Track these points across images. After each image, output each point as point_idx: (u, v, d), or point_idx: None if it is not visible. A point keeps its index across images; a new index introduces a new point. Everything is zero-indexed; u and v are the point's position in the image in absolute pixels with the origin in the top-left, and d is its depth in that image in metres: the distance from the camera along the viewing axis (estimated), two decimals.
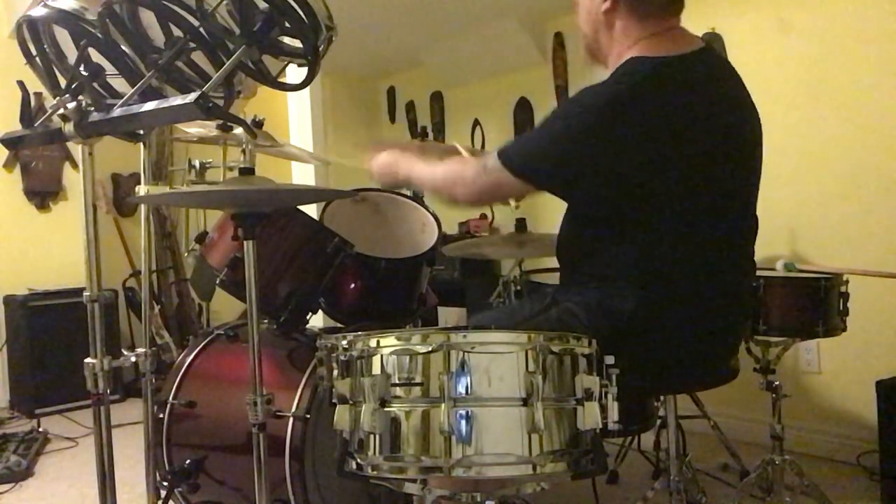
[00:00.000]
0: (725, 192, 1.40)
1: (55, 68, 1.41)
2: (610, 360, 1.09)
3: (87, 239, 1.43)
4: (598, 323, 1.36)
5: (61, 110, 1.34)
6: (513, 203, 1.79)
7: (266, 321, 1.98)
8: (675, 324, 1.38)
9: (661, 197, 1.34)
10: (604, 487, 2.42)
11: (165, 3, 1.24)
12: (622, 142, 1.31)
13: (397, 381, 1.04)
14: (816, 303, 2.00)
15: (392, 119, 5.24)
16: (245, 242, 1.46)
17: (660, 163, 1.32)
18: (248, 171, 1.63)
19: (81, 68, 1.35)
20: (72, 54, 1.38)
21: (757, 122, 1.48)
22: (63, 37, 1.38)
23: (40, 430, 3.35)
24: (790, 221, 2.80)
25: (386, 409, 1.03)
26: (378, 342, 1.07)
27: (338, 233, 1.89)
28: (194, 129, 2.30)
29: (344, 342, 1.11)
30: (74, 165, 4.31)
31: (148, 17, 1.33)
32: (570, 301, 1.43)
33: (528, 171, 1.38)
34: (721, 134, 1.39)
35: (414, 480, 1.08)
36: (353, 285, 2.01)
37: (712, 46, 1.47)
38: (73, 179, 4.34)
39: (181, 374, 1.99)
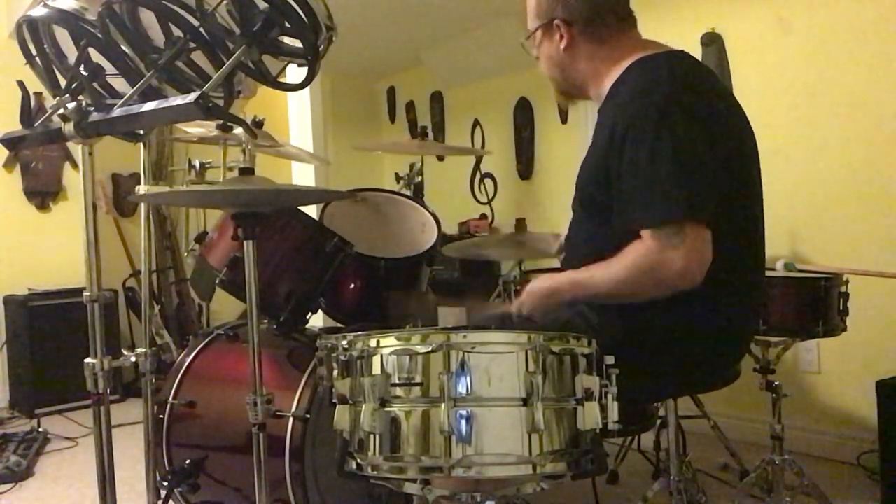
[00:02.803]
0: (742, 189, 1.39)
1: (55, 68, 1.42)
2: (610, 360, 1.09)
3: (87, 239, 1.43)
4: (610, 325, 1.36)
5: (61, 110, 1.34)
6: None
7: (266, 321, 1.98)
8: (687, 328, 1.37)
9: None
10: (604, 487, 2.42)
11: (165, 3, 1.24)
12: (712, 129, 1.31)
13: (397, 381, 1.04)
14: (816, 303, 2.00)
15: (392, 119, 5.24)
16: (245, 242, 1.46)
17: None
18: (248, 171, 1.63)
19: (81, 68, 1.35)
20: (72, 54, 1.38)
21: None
22: (63, 37, 1.38)
23: (40, 430, 3.34)
24: (790, 221, 2.80)
25: (386, 409, 1.03)
26: (378, 342, 1.07)
27: (338, 233, 1.89)
28: (194, 129, 2.30)
29: (344, 342, 1.11)
30: (74, 165, 4.31)
31: (148, 17, 1.33)
32: (582, 303, 1.43)
33: (702, 205, 1.26)
34: (735, 123, 1.40)
35: (414, 480, 1.07)
36: (353, 285, 2.01)
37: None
38: (73, 179, 4.33)
39: (181, 374, 2.00)
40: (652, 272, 1.27)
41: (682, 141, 1.27)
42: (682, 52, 1.46)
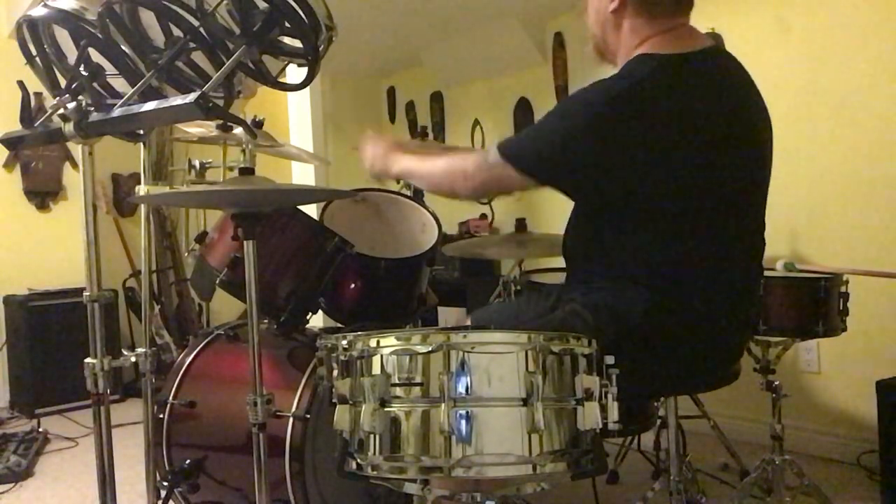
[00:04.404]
0: (730, 194, 1.39)
1: (55, 68, 1.41)
2: (610, 360, 1.09)
3: (87, 239, 1.43)
4: (605, 325, 1.36)
5: (61, 110, 1.33)
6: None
7: (266, 321, 1.98)
8: (684, 327, 1.37)
9: (664, 196, 1.33)
10: (604, 487, 2.42)
11: (165, 3, 1.24)
12: (622, 138, 1.31)
13: (397, 381, 1.04)
14: (816, 303, 2.00)
15: (392, 119, 5.24)
16: (245, 242, 1.46)
17: (660, 161, 1.32)
18: (248, 171, 1.63)
19: (81, 68, 1.35)
20: (72, 54, 1.38)
21: (766, 123, 1.47)
22: (63, 37, 1.38)
23: (40, 430, 3.34)
24: (790, 221, 2.80)
25: (386, 409, 1.03)
26: (378, 342, 1.06)
27: (338, 233, 1.89)
28: (194, 129, 2.30)
29: (344, 342, 1.11)
30: (74, 165, 4.31)
31: (148, 17, 1.33)
32: (577, 302, 1.43)
33: (530, 165, 1.38)
34: (722, 134, 1.39)
35: (414, 480, 1.07)
36: (353, 285, 2.01)
37: (721, 46, 1.46)
38: (73, 179, 4.33)
39: (181, 374, 1.99)
40: (455, 173, 1.47)
41: (573, 122, 1.34)
42: (700, 54, 1.42)
